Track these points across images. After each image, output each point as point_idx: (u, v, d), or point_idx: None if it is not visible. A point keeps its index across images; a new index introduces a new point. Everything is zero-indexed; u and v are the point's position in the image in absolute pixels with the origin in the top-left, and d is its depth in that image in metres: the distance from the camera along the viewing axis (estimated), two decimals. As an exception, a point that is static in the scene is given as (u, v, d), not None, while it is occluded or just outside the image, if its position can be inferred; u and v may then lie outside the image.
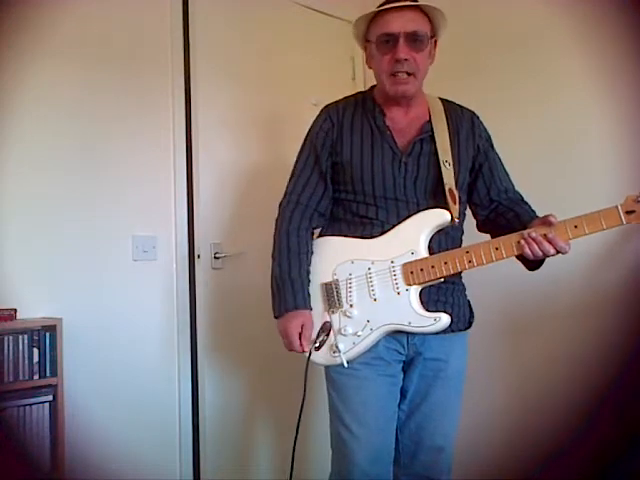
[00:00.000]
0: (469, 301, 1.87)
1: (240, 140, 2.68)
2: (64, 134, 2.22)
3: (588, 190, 2.26)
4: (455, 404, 1.82)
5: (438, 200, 1.71)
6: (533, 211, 1.78)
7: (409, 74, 1.69)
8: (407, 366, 1.78)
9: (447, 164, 1.72)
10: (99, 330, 2.25)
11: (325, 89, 2.60)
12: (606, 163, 2.24)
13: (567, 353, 2.34)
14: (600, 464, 2.16)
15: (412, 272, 1.66)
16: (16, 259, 2.09)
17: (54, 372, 2.03)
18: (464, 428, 2.15)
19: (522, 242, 1.58)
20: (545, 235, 1.56)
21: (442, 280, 1.67)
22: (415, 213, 1.70)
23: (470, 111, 1.85)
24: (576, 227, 1.55)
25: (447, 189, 1.70)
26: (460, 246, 1.79)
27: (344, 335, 1.69)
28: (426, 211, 1.70)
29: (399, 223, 1.71)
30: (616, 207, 1.52)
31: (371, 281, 1.70)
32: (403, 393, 1.79)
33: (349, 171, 1.76)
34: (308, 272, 1.77)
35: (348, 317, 1.70)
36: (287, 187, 1.86)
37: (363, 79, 2.95)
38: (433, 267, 1.65)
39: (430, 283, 1.67)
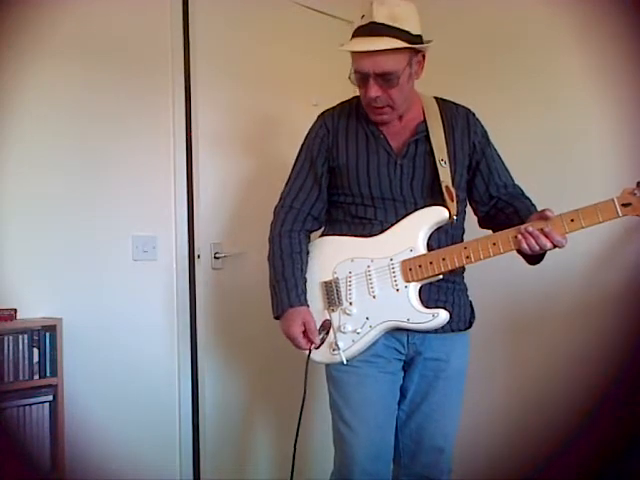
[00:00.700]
0: (471, 301, 1.87)
1: (240, 140, 2.68)
2: (64, 134, 2.22)
3: (588, 190, 2.25)
4: (456, 405, 1.82)
5: (435, 198, 1.72)
6: (533, 205, 1.78)
7: (384, 107, 1.69)
8: (407, 366, 1.78)
9: (443, 162, 1.73)
10: (99, 330, 2.25)
11: (325, 89, 2.59)
12: (606, 163, 2.24)
13: (567, 353, 2.34)
14: (600, 464, 2.16)
15: (411, 269, 1.67)
16: (16, 259, 2.09)
17: (54, 372, 2.03)
18: (464, 428, 2.15)
19: (519, 237, 1.58)
20: (542, 229, 1.56)
21: (441, 277, 1.68)
22: (413, 211, 1.71)
23: (465, 108, 1.85)
24: (572, 221, 1.55)
25: (444, 187, 1.70)
26: (459, 241, 1.79)
27: (343, 333, 1.70)
28: (424, 209, 1.71)
29: (398, 221, 1.72)
30: (612, 200, 1.53)
31: (370, 278, 1.70)
32: (403, 393, 1.79)
33: (345, 174, 1.77)
34: (303, 270, 1.78)
35: (348, 315, 1.71)
36: (282, 192, 1.88)
37: (363, 79, 2.96)
38: (431, 263, 1.65)
39: (429, 280, 1.68)
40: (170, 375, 2.46)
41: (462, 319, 1.80)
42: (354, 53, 1.66)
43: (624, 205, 1.52)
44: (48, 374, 2.02)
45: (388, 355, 1.73)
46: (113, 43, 2.33)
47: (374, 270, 1.70)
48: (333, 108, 1.87)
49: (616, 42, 2.21)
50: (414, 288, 1.67)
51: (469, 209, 1.88)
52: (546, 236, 1.56)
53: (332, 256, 1.77)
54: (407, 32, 1.62)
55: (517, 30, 2.50)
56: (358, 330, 1.69)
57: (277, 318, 1.78)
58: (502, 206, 1.81)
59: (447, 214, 1.68)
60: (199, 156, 2.52)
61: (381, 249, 1.71)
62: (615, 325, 2.20)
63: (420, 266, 1.66)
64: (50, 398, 2.02)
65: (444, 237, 1.74)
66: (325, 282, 1.75)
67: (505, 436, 2.50)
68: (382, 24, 1.61)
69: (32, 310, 2.09)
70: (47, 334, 2.03)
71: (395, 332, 1.71)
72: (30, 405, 1.98)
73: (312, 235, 1.89)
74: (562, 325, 2.35)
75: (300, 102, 2.73)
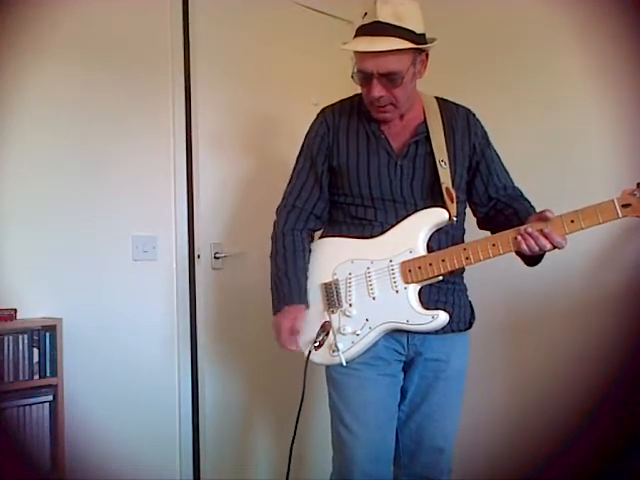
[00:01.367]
0: (471, 302, 1.87)
1: (240, 140, 2.68)
2: (64, 134, 2.22)
3: (588, 190, 2.25)
4: (456, 405, 1.82)
5: (435, 200, 1.71)
6: (532, 207, 1.78)
7: (387, 106, 1.68)
8: (407, 366, 1.78)
9: (443, 163, 1.72)
10: (99, 330, 2.25)
11: (325, 89, 2.59)
12: (606, 163, 2.24)
13: (567, 353, 2.34)
14: (600, 464, 2.16)
15: (410, 270, 1.66)
16: (16, 259, 2.09)
17: (54, 372, 2.03)
18: (464, 428, 2.14)
19: (519, 238, 1.58)
20: (541, 230, 1.56)
21: (441, 279, 1.68)
22: (413, 213, 1.71)
23: (466, 109, 1.85)
24: (572, 222, 1.55)
25: (444, 188, 1.70)
26: (459, 242, 1.78)
27: (343, 334, 1.70)
28: (424, 210, 1.70)
29: (398, 223, 1.71)
30: (612, 201, 1.52)
31: (370, 280, 1.70)
32: (403, 393, 1.79)
33: (346, 174, 1.77)
34: (305, 269, 1.78)
35: (347, 316, 1.71)
36: (285, 191, 1.88)
37: (363, 79, 2.96)
38: (431, 265, 1.65)
39: (429, 281, 1.68)
40: (170, 375, 2.46)
41: (462, 320, 1.80)
42: (358, 53, 1.65)
43: (624, 206, 1.52)
44: (48, 374, 2.02)
45: (388, 357, 1.73)
46: (113, 43, 2.33)
47: (374, 271, 1.70)
48: (333, 105, 1.86)
49: (616, 42, 2.21)
50: (414, 289, 1.67)
51: (469, 210, 1.88)
52: (546, 237, 1.56)
53: (332, 257, 1.76)
54: (411, 31, 1.61)
55: (517, 30, 2.50)
56: (358, 332, 1.69)
57: (275, 314, 1.78)
58: (501, 207, 1.81)
59: (447, 216, 1.67)
60: (199, 156, 2.52)
61: (381, 250, 1.70)
62: (615, 325, 2.20)
63: (419, 267, 1.65)
64: (50, 398, 2.02)
65: (444, 238, 1.73)
66: (325, 284, 1.75)
67: (505, 436, 2.50)
68: (386, 23, 1.59)
69: (32, 310, 2.09)
70: (47, 334, 2.03)
71: (395, 333, 1.71)
72: (30, 405, 1.98)
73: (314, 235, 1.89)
74: (562, 325, 2.35)
75: (300, 102, 2.73)
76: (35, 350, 2.01)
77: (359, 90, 1.75)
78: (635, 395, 2.11)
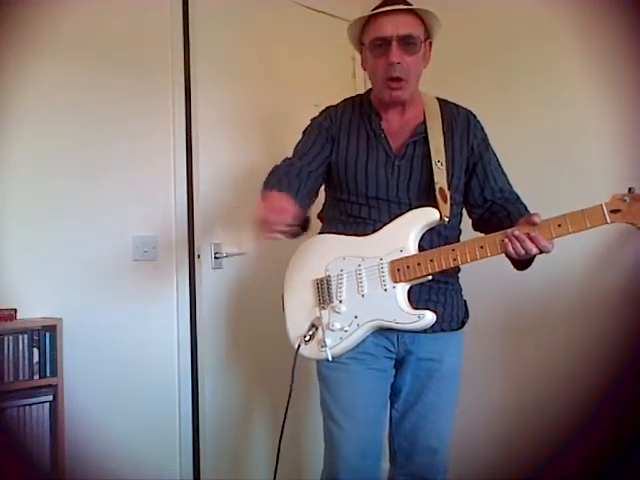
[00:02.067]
0: (465, 301, 1.87)
1: (240, 140, 2.68)
2: (64, 134, 2.22)
3: (588, 190, 2.24)
4: (450, 405, 1.81)
5: (430, 200, 1.72)
6: (527, 210, 1.78)
7: (401, 79, 1.70)
8: (399, 364, 1.78)
9: (439, 164, 1.73)
10: (99, 330, 2.25)
11: (325, 89, 2.60)
12: (606, 163, 2.24)
13: (567, 353, 2.34)
14: (600, 464, 2.16)
15: (399, 269, 1.67)
16: (16, 259, 2.09)
17: (54, 372, 2.03)
18: (463, 428, 2.14)
19: (505, 240, 1.58)
20: (528, 234, 1.56)
21: (431, 278, 1.67)
22: (406, 212, 1.72)
23: (466, 110, 1.86)
24: (560, 226, 1.54)
25: (437, 188, 1.70)
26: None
27: (332, 330, 1.71)
28: (415, 210, 1.71)
29: (390, 221, 1.72)
30: (600, 206, 1.50)
31: (360, 277, 1.71)
32: (396, 392, 1.80)
33: (343, 171, 1.79)
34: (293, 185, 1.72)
35: (337, 312, 1.72)
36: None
37: (363, 79, 2.95)
38: (419, 265, 1.65)
39: (418, 281, 1.68)
40: (170, 375, 2.46)
41: (454, 319, 1.80)
42: (375, 21, 1.69)
43: (613, 212, 1.49)
44: (48, 374, 2.02)
45: (377, 353, 1.74)
46: (113, 43, 2.33)
47: (364, 269, 1.71)
48: (337, 105, 1.89)
49: (616, 42, 2.21)
50: (402, 289, 1.67)
51: (465, 212, 1.88)
52: (532, 240, 1.55)
53: (326, 254, 1.77)
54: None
55: (517, 30, 2.50)
56: (346, 328, 1.70)
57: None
58: (496, 210, 1.81)
59: (438, 215, 1.67)
60: (199, 156, 2.52)
61: (373, 248, 1.71)
62: (615, 325, 2.20)
63: (408, 267, 1.66)
64: (50, 398, 2.02)
65: (437, 239, 1.74)
66: (317, 280, 1.76)
67: (505, 436, 2.50)
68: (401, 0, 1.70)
69: (32, 310, 2.09)
70: (47, 334, 2.03)
71: (385, 331, 1.72)
72: (30, 405, 1.98)
73: (308, 233, 1.86)
74: (561, 325, 2.35)
75: (300, 102, 2.73)
76: (35, 350, 2.00)
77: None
78: (635, 395, 2.11)
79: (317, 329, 1.73)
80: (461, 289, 1.87)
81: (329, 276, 1.74)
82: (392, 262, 1.68)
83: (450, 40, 2.59)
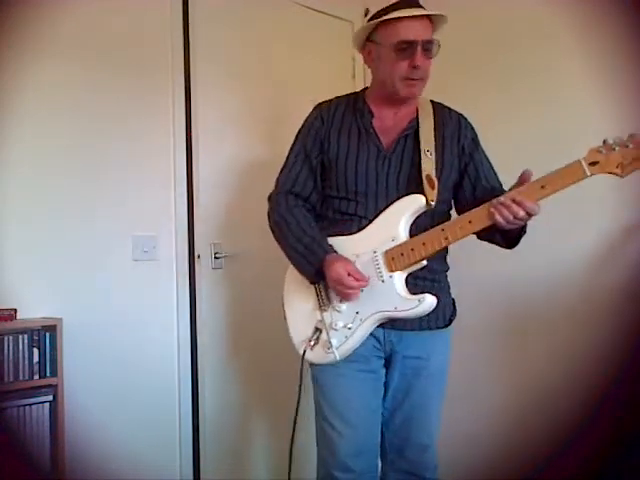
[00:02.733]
0: (454, 300, 1.87)
1: (240, 140, 2.68)
2: (64, 134, 2.22)
3: (588, 190, 2.25)
4: (437, 403, 1.83)
5: (417, 188, 1.73)
6: None
7: (419, 79, 1.75)
8: (388, 363, 1.79)
9: (428, 153, 1.75)
10: (99, 330, 2.25)
11: (325, 89, 2.58)
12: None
13: (567, 353, 2.34)
14: (600, 464, 2.16)
15: (393, 258, 1.68)
16: (16, 259, 2.09)
17: (54, 372, 2.03)
18: (463, 428, 2.15)
19: (492, 209, 1.59)
20: (513, 198, 1.56)
21: (425, 263, 1.68)
22: (392, 203, 1.73)
23: (458, 113, 1.89)
24: (543, 187, 1.56)
25: (425, 175, 1.72)
26: None
27: (336, 330, 1.71)
28: (402, 198, 1.72)
29: (378, 215, 1.73)
30: (579, 161, 1.53)
31: None
32: (385, 390, 1.81)
33: (334, 167, 1.81)
34: (320, 231, 1.78)
35: (338, 312, 1.72)
36: (278, 180, 1.89)
37: (363, 78, 2.95)
38: (413, 250, 1.66)
39: (414, 267, 1.68)
40: (170, 375, 2.46)
41: (440, 317, 1.80)
42: (399, 23, 1.71)
43: (592, 164, 1.53)
44: (48, 374, 2.02)
45: (367, 353, 1.75)
46: (113, 43, 2.33)
47: (360, 265, 1.71)
48: (330, 101, 1.91)
49: (616, 42, 2.21)
50: (399, 277, 1.68)
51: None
52: (518, 204, 1.56)
53: None
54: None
55: (517, 30, 2.50)
56: (349, 325, 1.70)
57: (315, 276, 1.74)
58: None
59: (424, 200, 1.68)
60: (199, 156, 2.52)
61: (365, 243, 1.72)
62: (615, 325, 2.20)
63: (402, 254, 1.67)
64: (50, 398, 2.02)
65: (429, 226, 1.72)
66: (316, 283, 1.76)
67: (505, 436, 2.50)
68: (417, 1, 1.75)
69: (32, 310, 2.09)
70: (47, 334, 2.03)
71: (373, 329, 1.72)
72: (30, 405, 1.98)
73: None
74: (562, 325, 2.35)
75: (300, 102, 2.71)
76: (35, 350, 2.00)
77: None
78: (635, 395, 2.11)
79: (321, 332, 1.73)
80: (449, 287, 1.88)
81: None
82: (386, 252, 1.69)
83: (450, 40, 2.59)
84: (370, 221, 1.74)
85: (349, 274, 1.67)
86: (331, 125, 1.84)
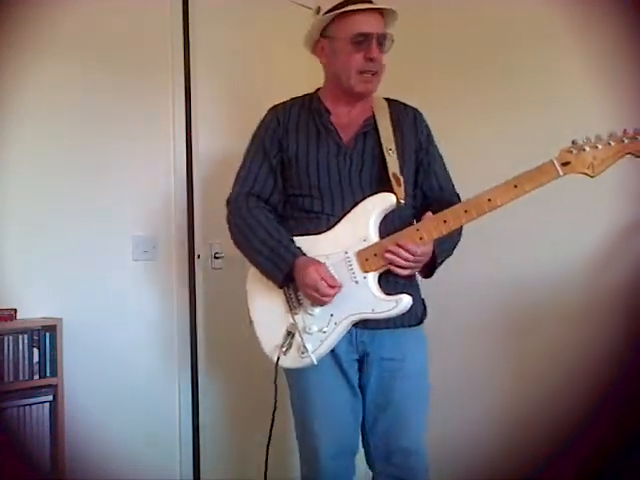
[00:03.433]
0: (423, 299, 1.86)
1: (240, 140, 2.66)
2: (64, 134, 2.22)
3: (588, 189, 2.25)
4: (420, 403, 1.79)
5: (383, 186, 1.72)
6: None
7: (373, 73, 1.76)
8: (360, 364, 1.77)
9: (390, 151, 1.75)
10: (99, 330, 2.25)
11: (325, 89, 2.59)
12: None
13: (568, 353, 2.34)
14: (600, 464, 2.16)
15: (367, 259, 1.67)
16: (16, 259, 2.09)
17: (54, 372, 2.03)
18: (463, 428, 2.15)
19: (467, 210, 1.62)
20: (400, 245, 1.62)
21: None
22: (361, 201, 1.71)
23: (413, 108, 1.90)
24: (516, 187, 1.59)
25: (391, 173, 1.71)
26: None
27: (310, 334, 1.69)
28: (371, 197, 1.71)
29: (346, 213, 1.72)
30: (551, 161, 1.57)
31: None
32: (364, 395, 1.78)
33: (295, 165, 1.79)
34: (285, 232, 1.76)
35: (311, 315, 1.70)
36: (235, 183, 1.87)
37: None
38: (388, 250, 1.65)
39: (386, 267, 1.67)
40: (170, 375, 2.46)
41: (413, 315, 1.77)
42: (353, 16, 1.73)
43: (564, 164, 1.56)
44: (48, 374, 2.02)
45: (338, 350, 1.72)
46: (113, 43, 2.33)
47: (331, 265, 1.69)
48: (284, 102, 1.91)
49: (616, 42, 2.21)
50: (373, 278, 1.67)
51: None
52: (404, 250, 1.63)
53: None
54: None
55: (517, 30, 2.50)
56: (324, 329, 1.68)
57: (285, 280, 1.71)
58: (431, 204, 1.82)
59: (394, 199, 1.68)
60: (199, 156, 2.52)
61: (334, 243, 1.70)
62: (615, 325, 2.20)
63: (375, 255, 1.66)
64: (50, 398, 2.02)
65: (393, 221, 1.73)
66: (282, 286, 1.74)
67: (505, 436, 2.50)
68: None
69: (32, 310, 2.09)
70: (47, 334, 2.03)
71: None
72: (30, 405, 1.98)
73: None
74: (563, 324, 2.35)
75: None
76: (35, 350, 2.01)
77: (346, 61, 1.77)
78: (635, 395, 2.11)
79: (293, 336, 1.70)
80: (418, 285, 1.86)
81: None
82: (359, 252, 1.67)
83: (451, 40, 2.60)
84: (339, 219, 1.72)
85: (322, 279, 1.64)
86: (288, 125, 1.83)
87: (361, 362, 1.77)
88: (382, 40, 1.75)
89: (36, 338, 2.01)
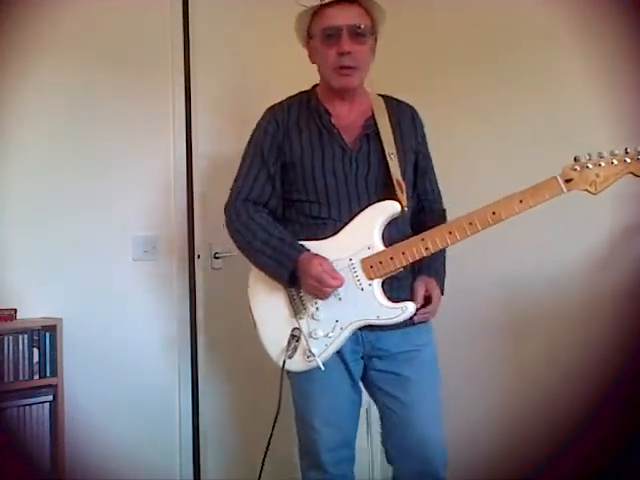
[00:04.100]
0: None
1: (240, 140, 2.66)
2: (64, 134, 2.22)
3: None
4: (434, 394, 1.77)
5: (388, 192, 1.71)
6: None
7: (352, 67, 1.72)
8: (368, 360, 1.76)
9: (392, 156, 1.74)
10: (99, 330, 2.25)
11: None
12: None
13: (567, 354, 2.33)
14: (600, 464, 2.16)
15: (372, 266, 1.66)
16: (16, 259, 2.09)
17: (54, 372, 2.03)
18: (463, 428, 2.14)
19: (471, 222, 1.62)
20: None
21: (402, 270, 1.68)
22: (365, 208, 1.71)
23: (409, 106, 1.88)
24: (521, 202, 1.60)
25: (394, 180, 1.71)
26: (409, 233, 1.77)
27: (315, 339, 1.68)
28: (376, 204, 1.70)
29: (351, 220, 1.71)
30: (555, 177, 1.59)
31: None
32: (377, 390, 1.77)
33: (300, 170, 1.76)
34: (287, 234, 1.74)
35: (316, 320, 1.69)
36: (233, 189, 1.83)
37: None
38: (392, 259, 1.65)
39: (390, 274, 1.68)
40: (170, 375, 2.46)
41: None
42: (325, 12, 1.71)
43: (567, 181, 1.58)
44: (48, 374, 2.03)
45: (342, 349, 1.71)
46: (113, 43, 2.33)
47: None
48: (281, 102, 1.86)
49: (616, 42, 2.20)
50: (377, 285, 1.67)
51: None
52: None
53: None
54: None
55: (517, 30, 2.50)
56: (330, 334, 1.68)
57: (291, 278, 1.69)
58: (418, 211, 1.85)
59: (399, 207, 1.68)
60: (199, 156, 2.52)
61: (339, 250, 1.69)
62: (615, 325, 2.20)
63: (381, 262, 1.66)
64: (50, 398, 2.02)
65: (394, 229, 1.72)
66: (289, 289, 1.73)
67: (505, 436, 2.50)
68: None
69: (32, 310, 2.09)
70: (47, 334, 2.03)
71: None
72: (30, 405, 1.98)
73: None
74: (563, 325, 2.35)
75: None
76: (35, 350, 2.01)
77: (322, 57, 1.77)
78: (635, 395, 2.11)
79: (298, 340, 1.70)
80: None
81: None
82: (364, 260, 1.67)
83: (451, 40, 2.60)
84: (344, 224, 1.71)
85: (325, 271, 1.63)
86: (288, 126, 1.79)
87: (368, 359, 1.76)
88: (357, 31, 1.69)
89: (36, 338, 2.01)
